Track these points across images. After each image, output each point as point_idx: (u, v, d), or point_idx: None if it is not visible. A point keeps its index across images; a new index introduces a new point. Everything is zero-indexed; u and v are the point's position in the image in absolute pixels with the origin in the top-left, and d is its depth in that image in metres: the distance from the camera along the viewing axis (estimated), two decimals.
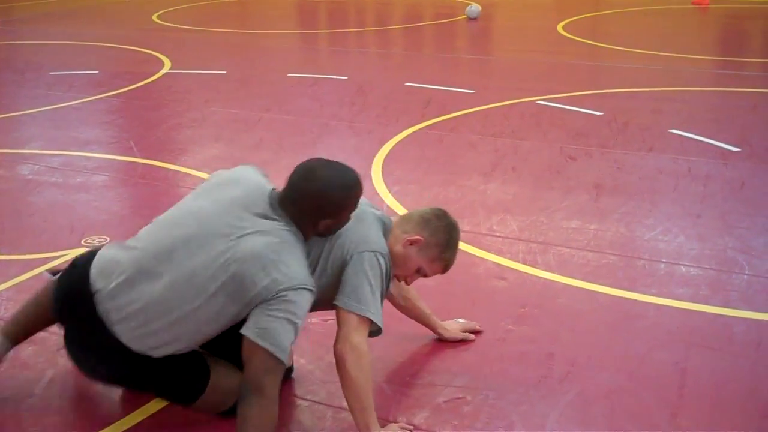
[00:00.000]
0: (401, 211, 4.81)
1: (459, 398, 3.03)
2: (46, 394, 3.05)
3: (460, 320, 3.50)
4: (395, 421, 2.87)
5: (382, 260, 2.76)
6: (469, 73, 9.73)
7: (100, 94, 8.27)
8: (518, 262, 4.21)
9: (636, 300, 3.80)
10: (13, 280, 4.03)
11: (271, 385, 2.51)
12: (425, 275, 2.98)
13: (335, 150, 6.09)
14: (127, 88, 8.50)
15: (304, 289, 2.54)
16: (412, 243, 2.87)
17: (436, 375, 3.19)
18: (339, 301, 2.72)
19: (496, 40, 12.62)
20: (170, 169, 5.79)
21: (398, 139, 6.45)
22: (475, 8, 13.33)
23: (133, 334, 2.59)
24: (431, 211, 2.97)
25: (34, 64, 9.99)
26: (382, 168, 5.73)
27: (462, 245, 4.37)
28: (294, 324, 2.51)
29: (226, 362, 2.82)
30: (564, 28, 12.32)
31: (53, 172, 5.81)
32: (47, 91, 8.46)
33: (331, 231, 2.74)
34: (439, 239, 2.90)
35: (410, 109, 7.44)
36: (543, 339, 3.46)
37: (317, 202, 2.63)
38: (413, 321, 3.51)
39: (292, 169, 2.73)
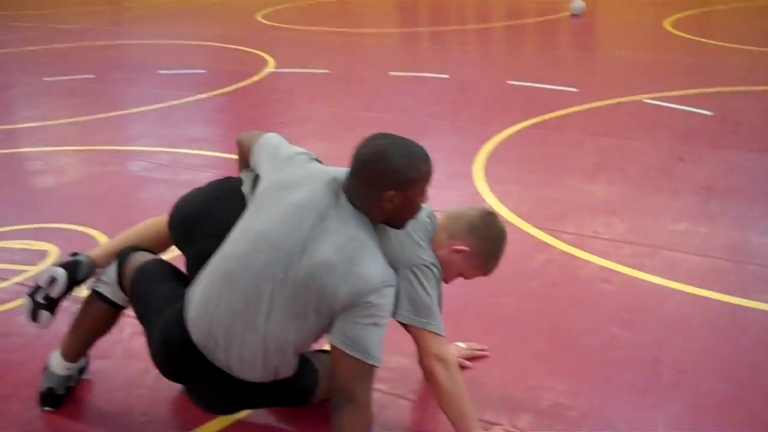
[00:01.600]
0: (504, 212, 4.76)
1: (562, 403, 2.98)
2: (157, 385, 3.12)
3: (461, 344, 3.29)
4: (498, 424, 2.83)
5: (436, 271, 2.74)
6: (573, 71, 9.56)
7: (207, 92, 8.48)
8: (624, 265, 4.11)
9: (748, 307, 3.66)
10: None
11: (363, 392, 2.48)
12: (465, 278, 2.94)
13: (435, 149, 5.96)
14: (232, 87, 8.68)
15: (386, 287, 2.47)
16: (458, 252, 2.81)
17: (538, 378, 3.15)
18: (405, 318, 2.68)
19: (600, 37, 12.38)
20: None
21: (500, 138, 6.39)
22: (579, 4, 13.10)
23: (258, 374, 2.59)
24: (479, 217, 2.86)
25: (143, 64, 10.31)
26: (485, 167, 5.69)
27: (566, 247, 4.36)
28: (381, 326, 2.47)
29: (314, 349, 2.83)
30: (671, 24, 11.99)
31: (162, 169, 5.98)
32: (156, 90, 8.71)
33: (400, 213, 2.56)
34: (485, 249, 2.83)
35: (512, 108, 7.36)
36: (650, 345, 3.37)
37: (378, 167, 2.48)
38: (513, 323, 3.46)
39: None
